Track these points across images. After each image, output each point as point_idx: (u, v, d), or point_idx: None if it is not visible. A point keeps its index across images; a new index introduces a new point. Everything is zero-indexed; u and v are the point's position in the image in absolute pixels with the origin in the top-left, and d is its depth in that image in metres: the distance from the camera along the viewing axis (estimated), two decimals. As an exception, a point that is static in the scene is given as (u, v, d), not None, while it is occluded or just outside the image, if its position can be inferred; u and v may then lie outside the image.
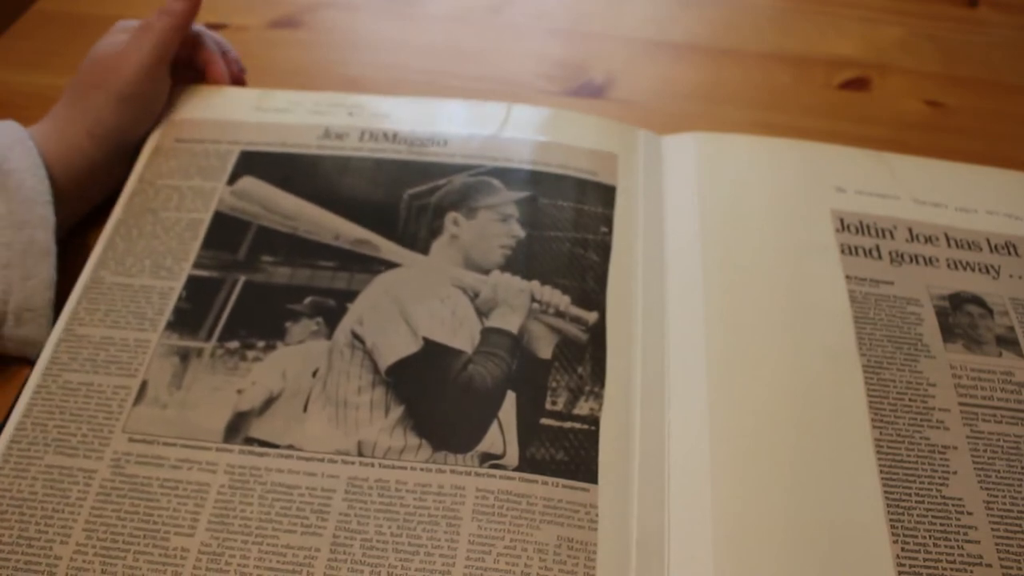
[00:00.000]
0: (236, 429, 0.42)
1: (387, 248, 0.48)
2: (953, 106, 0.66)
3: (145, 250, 0.48)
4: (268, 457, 0.41)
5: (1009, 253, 0.53)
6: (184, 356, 0.44)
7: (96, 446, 0.41)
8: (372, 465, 0.41)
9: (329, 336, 0.45)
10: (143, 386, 0.43)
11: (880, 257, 0.51)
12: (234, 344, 0.44)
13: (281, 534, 0.39)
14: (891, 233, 0.53)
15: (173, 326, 0.45)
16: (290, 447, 0.41)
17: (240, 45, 0.65)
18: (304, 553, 0.38)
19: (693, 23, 0.72)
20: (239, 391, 0.43)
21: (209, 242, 0.48)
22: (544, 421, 0.42)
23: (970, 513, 0.43)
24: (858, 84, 0.67)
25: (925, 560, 0.41)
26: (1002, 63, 0.70)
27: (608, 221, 0.50)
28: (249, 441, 0.41)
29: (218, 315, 0.45)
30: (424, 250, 0.48)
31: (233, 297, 0.46)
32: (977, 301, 0.50)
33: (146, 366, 0.44)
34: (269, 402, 0.43)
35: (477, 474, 0.40)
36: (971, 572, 0.41)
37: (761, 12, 0.73)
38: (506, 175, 0.52)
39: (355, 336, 0.45)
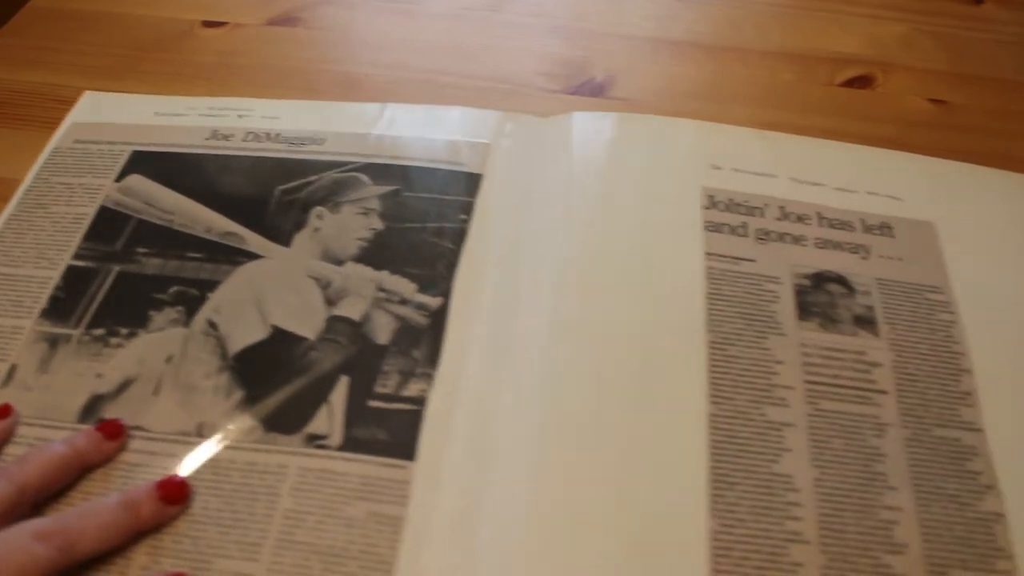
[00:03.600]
0: (92, 410, 0.45)
1: (253, 240, 0.51)
2: (957, 104, 0.65)
3: (32, 242, 0.51)
4: (119, 439, 0.44)
5: (883, 234, 0.53)
6: (53, 342, 0.47)
7: (-41, 426, 0.44)
8: (208, 445, 0.43)
9: (187, 324, 0.48)
10: (12, 370, 0.46)
11: (746, 235, 0.52)
12: (100, 331, 0.47)
13: (116, 509, 0.42)
14: (762, 211, 0.53)
15: (47, 314, 0.48)
16: (138, 428, 0.44)
17: (238, 43, 0.68)
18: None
19: (694, 21, 0.72)
20: (99, 375, 0.46)
21: (91, 235, 0.52)
22: (372, 403, 0.44)
23: (797, 490, 0.43)
24: (862, 82, 0.67)
25: (741, 536, 0.42)
26: (1007, 61, 0.69)
27: (469, 208, 0.52)
28: (102, 423, 0.44)
29: (89, 303, 0.49)
30: (287, 242, 0.51)
31: (105, 286, 0.49)
32: (840, 280, 0.50)
33: (17, 351, 0.47)
34: (124, 386, 0.46)
35: (301, 454, 0.43)
36: (787, 548, 0.41)
37: (763, 10, 0.73)
38: (375, 171, 0.54)
39: (211, 324, 0.47)
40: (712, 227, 0.52)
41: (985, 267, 0.52)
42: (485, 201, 0.52)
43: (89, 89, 0.63)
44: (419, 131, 0.57)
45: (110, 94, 0.61)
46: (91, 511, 0.40)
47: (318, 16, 0.71)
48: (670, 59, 0.68)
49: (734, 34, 0.71)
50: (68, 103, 0.62)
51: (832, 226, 0.53)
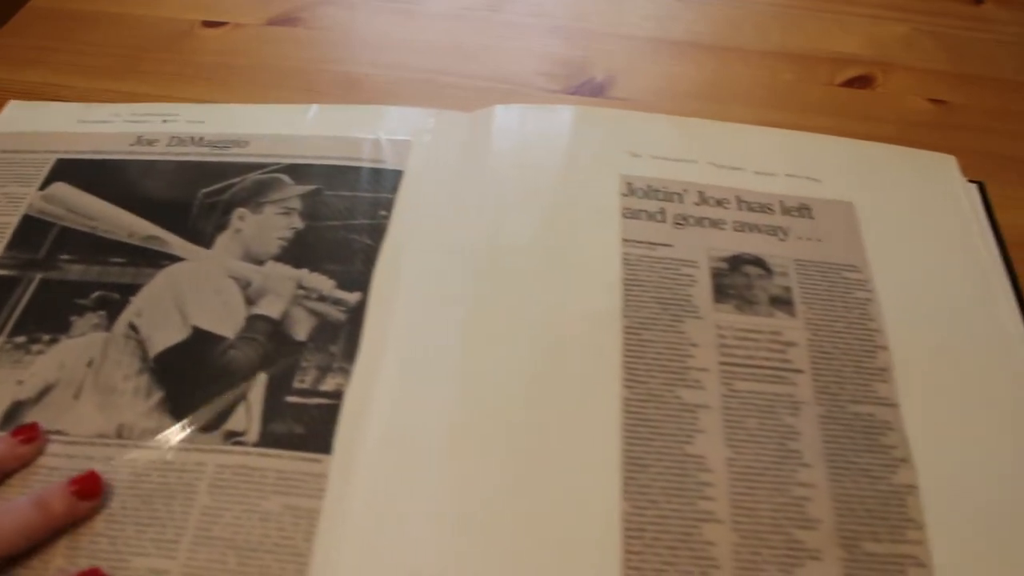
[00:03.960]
0: (12, 417, 0.45)
1: (175, 243, 0.51)
2: (957, 104, 0.66)
3: None
4: (36, 442, 0.44)
5: (802, 215, 0.54)
6: (-26, 352, 0.48)
7: None
8: (126, 446, 0.44)
9: (108, 328, 0.48)
10: (-68, 381, 0.47)
11: (664, 220, 0.53)
12: (22, 339, 0.48)
13: (36, 512, 0.42)
14: (680, 197, 0.54)
15: (-32, 324, 0.49)
16: (58, 432, 0.45)
17: (238, 43, 0.68)
18: (51, 528, 0.42)
19: (694, 21, 0.72)
20: (19, 382, 0.46)
21: (13, 243, 0.52)
22: (290, 399, 0.45)
23: (711, 470, 0.44)
24: (862, 82, 0.67)
25: (654, 517, 0.42)
26: (1007, 61, 0.69)
27: (389, 205, 0.52)
28: (22, 429, 0.45)
29: (11, 312, 0.49)
30: (209, 244, 0.51)
31: (27, 294, 0.50)
32: (757, 262, 0.51)
33: None
34: (45, 391, 0.46)
35: (219, 451, 0.43)
36: (699, 527, 0.42)
37: (763, 10, 0.73)
38: (297, 171, 0.55)
39: (132, 327, 0.48)
40: (630, 214, 0.53)
41: (902, 244, 0.53)
42: (405, 197, 0.53)
43: (90, 88, 0.64)
44: (342, 131, 0.57)
45: (34, 103, 0.61)
46: (2, 511, 0.40)
47: (318, 16, 0.71)
48: (670, 59, 0.69)
49: (734, 34, 0.71)
50: (68, 103, 0.62)
51: (751, 209, 0.54)
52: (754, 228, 0.53)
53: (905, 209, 0.55)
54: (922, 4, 0.74)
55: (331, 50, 0.68)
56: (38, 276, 0.50)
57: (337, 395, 0.45)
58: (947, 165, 0.58)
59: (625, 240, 0.51)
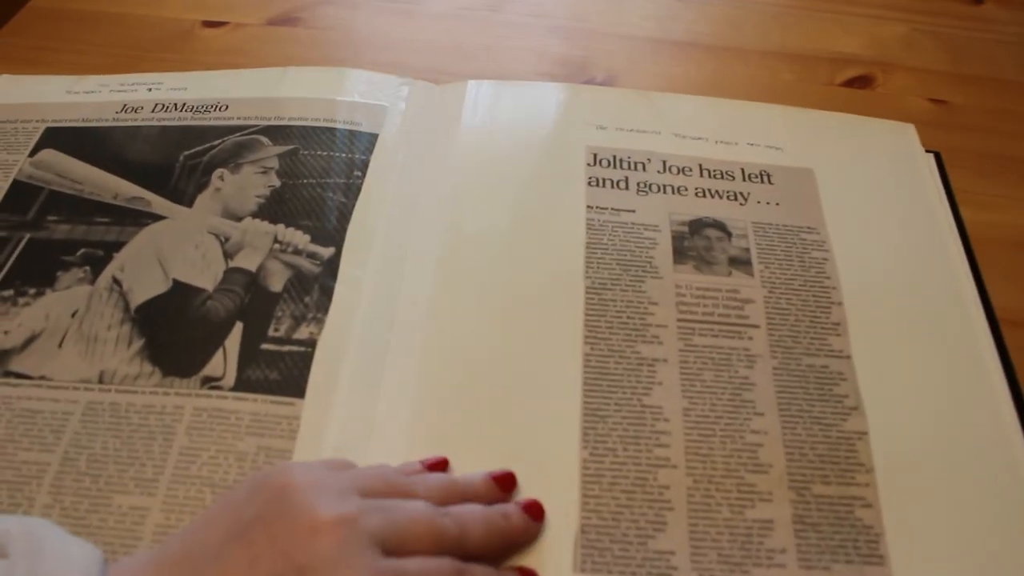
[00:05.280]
0: (-2, 364, 0.47)
1: (157, 203, 0.53)
2: (958, 104, 0.66)
3: None
4: (22, 387, 0.46)
5: (762, 181, 0.56)
6: (-38, 305, 0.50)
7: None
8: (109, 391, 0.46)
9: (92, 282, 0.50)
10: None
11: (627, 188, 0.55)
12: (8, 292, 0.50)
13: (20, 452, 0.44)
14: (644, 166, 0.56)
15: (-42, 281, 0.51)
16: (42, 378, 0.46)
17: (239, 43, 0.69)
18: (36, 467, 0.44)
19: (694, 21, 0.73)
20: (5, 332, 0.48)
21: (3, 207, 0.54)
22: (265, 346, 0.47)
23: (667, 420, 0.46)
24: (862, 82, 0.68)
25: (611, 463, 0.44)
26: (1007, 60, 0.70)
27: (364, 166, 0.55)
28: (7, 374, 0.47)
29: (-1, 269, 0.51)
30: (190, 204, 0.53)
31: (16, 253, 0.52)
32: (717, 225, 0.53)
33: None
34: (30, 340, 0.48)
35: (197, 395, 0.45)
36: (655, 472, 0.44)
37: (764, 10, 0.74)
38: (274, 132, 0.57)
39: (115, 281, 0.50)
40: (594, 182, 0.55)
41: (859, 207, 0.55)
42: (380, 159, 0.55)
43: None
44: (318, 92, 0.59)
45: (24, 76, 0.63)
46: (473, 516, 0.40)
47: (318, 16, 0.72)
48: (670, 59, 0.69)
49: (734, 34, 0.72)
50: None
51: (713, 176, 0.56)
52: (715, 193, 0.55)
53: (864, 175, 0.57)
54: (922, 4, 0.75)
55: (331, 50, 0.69)
56: (26, 236, 0.52)
57: (311, 343, 0.47)
58: (906, 134, 0.60)
59: (589, 207, 0.54)
